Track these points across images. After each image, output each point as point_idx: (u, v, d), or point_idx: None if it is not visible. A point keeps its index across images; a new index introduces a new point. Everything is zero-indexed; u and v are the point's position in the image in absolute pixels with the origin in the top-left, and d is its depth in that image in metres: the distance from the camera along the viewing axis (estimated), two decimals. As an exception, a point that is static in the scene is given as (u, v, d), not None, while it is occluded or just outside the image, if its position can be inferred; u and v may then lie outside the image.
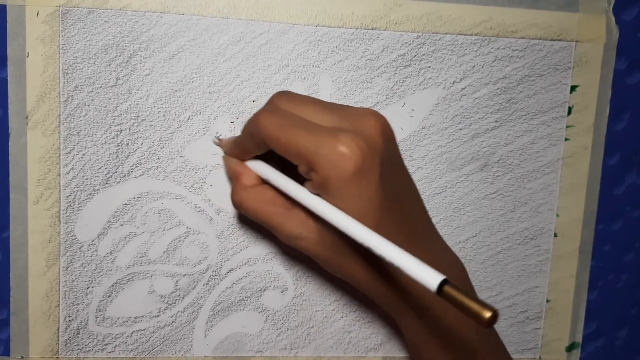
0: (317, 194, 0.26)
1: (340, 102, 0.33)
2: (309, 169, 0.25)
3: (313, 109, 0.26)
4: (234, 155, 0.30)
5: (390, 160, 0.26)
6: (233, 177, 0.30)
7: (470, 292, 0.20)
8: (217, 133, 0.33)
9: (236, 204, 0.29)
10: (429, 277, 0.21)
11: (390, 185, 0.26)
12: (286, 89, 0.31)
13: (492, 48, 0.34)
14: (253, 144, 0.28)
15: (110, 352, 0.34)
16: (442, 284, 0.21)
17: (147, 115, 0.32)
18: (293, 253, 0.34)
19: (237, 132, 0.33)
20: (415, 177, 0.35)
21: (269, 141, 0.26)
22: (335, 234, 0.26)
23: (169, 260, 0.33)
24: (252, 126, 0.27)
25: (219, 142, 0.32)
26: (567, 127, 0.35)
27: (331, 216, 0.25)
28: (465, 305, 0.20)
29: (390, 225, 0.26)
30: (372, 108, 0.33)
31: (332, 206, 0.25)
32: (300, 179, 0.27)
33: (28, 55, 0.31)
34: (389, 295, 0.28)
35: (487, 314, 0.19)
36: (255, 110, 0.33)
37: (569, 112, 0.35)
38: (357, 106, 0.27)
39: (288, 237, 0.28)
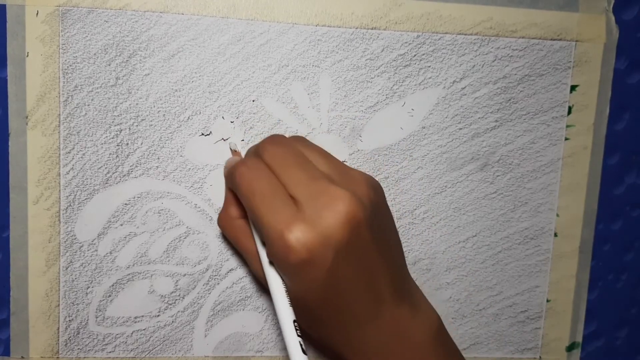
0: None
1: (340, 102, 0.33)
2: (263, 240, 0.27)
3: (291, 174, 0.27)
4: (229, 185, 0.31)
5: (354, 247, 0.26)
6: (225, 202, 0.31)
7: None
8: (231, 144, 0.33)
9: (220, 227, 0.31)
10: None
11: (346, 270, 0.26)
12: (277, 133, 0.31)
13: (492, 48, 0.34)
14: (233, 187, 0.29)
15: (110, 352, 0.34)
16: None
17: (147, 115, 0.32)
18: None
19: (238, 133, 0.33)
20: (415, 177, 0.34)
21: (238, 194, 0.27)
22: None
23: (169, 260, 0.33)
24: (231, 172, 0.28)
25: (233, 153, 0.33)
26: (567, 126, 0.35)
27: (272, 290, 0.27)
28: None
29: (331, 309, 0.27)
30: (372, 107, 0.33)
31: (277, 281, 0.27)
32: None
33: (28, 55, 0.31)
34: (351, 353, 0.28)
35: None
36: (254, 110, 0.33)
37: (569, 112, 0.35)
38: (345, 171, 0.27)
39: (256, 272, 0.30)
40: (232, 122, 0.33)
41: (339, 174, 0.27)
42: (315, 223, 0.25)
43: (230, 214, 0.31)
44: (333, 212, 0.25)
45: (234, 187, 0.28)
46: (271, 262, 0.28)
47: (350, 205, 0.25)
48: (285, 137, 0.29)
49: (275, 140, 0.28)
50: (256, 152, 0.28)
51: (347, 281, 0.26)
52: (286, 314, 0.26)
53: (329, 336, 0.28)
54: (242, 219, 0.30)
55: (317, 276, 0.25)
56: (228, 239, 0.31)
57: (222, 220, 0.31)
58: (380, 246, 0.27)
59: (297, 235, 0.25)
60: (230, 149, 0.33)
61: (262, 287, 0.34)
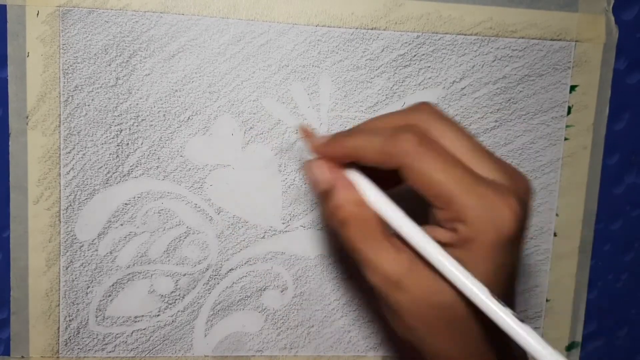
0: (444, 244, 0.22)
1: (340, 102, 0.33)
2: (453, 219, 0.21)
3: (468, 151, 0.22)
4: (327, 153, 0.24)
5: (514, 242, 0.22)
6: (328, 189, 0.24)
7: None
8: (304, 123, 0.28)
9: (338, 215, 0.23)
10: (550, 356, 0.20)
11: (515, 261, 0.23)
12: (427, 102, 0.25)
13: (491, 48, 0.34)
14: (375, 153, 0.22)
15: (110, 352, 0.34)
16: None
17: (147, 115, 0.32)
18: (293, 252, 0.34)
19: (238, 132, 0.33)
20: (415, 177, 0.34)
21: (410, 170, 0.22)
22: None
23: (169, 260, 0.33)
24: (388, 140, 0.22)
25: (306, 134, 0.25)
26: (567, 126, 0.35)
27: (460, 282, 0.21)
28: None
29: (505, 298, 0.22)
30: (372, 107, 0.34)
31: (463, 269, 0.21)
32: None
33: (28, 55, 0.31)
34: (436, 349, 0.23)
35: None
36: (255, 111, 0.33)
37: (569, 112, 0.35)
38: (505, 161, 0.24)
39: (379, 283, 0.23)
40: (232, 120, 0.33)
41: (503, 161, 0.24)
42: (521, 194, 0.21)
43: (348, 198, 0.23)
44: (524, 185, 0.22)
45: (396, 153, 0.22)
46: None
47: (529, 181, 0.23)
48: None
49: (429, 106, 0.23)
50: (418, 121, 0.23)
51: (513, 274, 0.23)
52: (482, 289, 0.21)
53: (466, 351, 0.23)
54: (364, 207, 0.23)
55: (513, 261, 0.22)
56: (343, 233, 0.23)
57: (351, 205, 0.23)
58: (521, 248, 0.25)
59: (515, 207, 0.21)
60: (302, 131, 0.26)
61: (261, 284, 0.34)
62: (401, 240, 0.23)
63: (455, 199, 0.21)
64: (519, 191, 0.22)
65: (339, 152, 0.24)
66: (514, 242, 0.21)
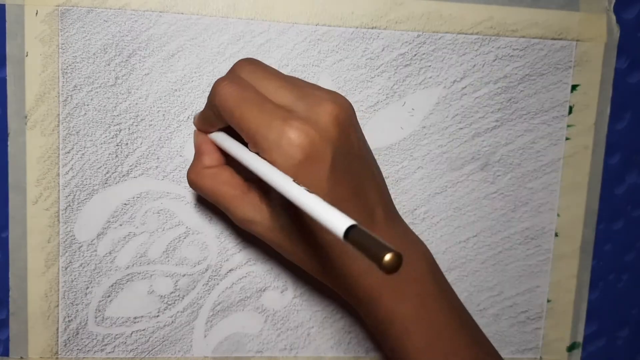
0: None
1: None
2: (258, 151, 0.25)
3: (274, 84, 0.26)
4: (200, 128, 0.30)
5: (346, 149, 0.26)
6: (195, 154, 0.29)
7: (377, 238, 0.19)
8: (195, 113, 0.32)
9: (191, 181, 0.29)
10: (338, 222, 0.19)
11: (344, 174, 0.25)
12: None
13: (492, 47, 0.34)
14: (213, 114, 0.27)
15: (109, 353, 0.34)
16: (351, 229, 0.19)
17: (147, 115, 0.32)
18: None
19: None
20: (415, 177, 0.34)
21: (223, 113, 0.26)
22: (287, 219, 0.27)
23: (168, 261, 0.33)
24: (211, 95, 0.27)
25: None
26: (568, 126, 0.35)
27: (260, 169, 0.24)
28: (366, 248, 0.18)
29: (341, 201, 0.25)
30: (372, 107, 0.33)
31: (266, 163, 0.24)
32: None
33: (27, 55, 0.31)
34: (340, 283, 0.28)
35: (386, 256, 0.17)
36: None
37: (570, 112, 0.35)
38: (322, 87, 0.27)
39: (242, 221, 0.28)
40: None
41: (312, 85, 0.27)
42: (310, 119, 0.24)
43: (203, 163, 0.29)
44: (324, 110, 0.25)
45: (218, 105, 0.26)
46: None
47: (337, 105, 0.25)
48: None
49: (248, 59, 0.28)
50: (232, 72, 0.27)
51: (345, 189, 0.26)
52: (281, 176, 0.23)
53: (318, 257, 0.27)
54: (220, 167, 0.29)
55: (321, 176, 0.25)
56: (202, 192, 0.29)
57: (193, 172, 0.29)
58: (367, 159, 0.27)
59: (298, 131, 0.24)
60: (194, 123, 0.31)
61: (260, 285, 0.34)
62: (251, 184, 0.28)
63: (252, 132, 0.25)
64: (312, 113, 0.25)
65: (201, 127, 0.30)
66: (312, 161, 0.24)
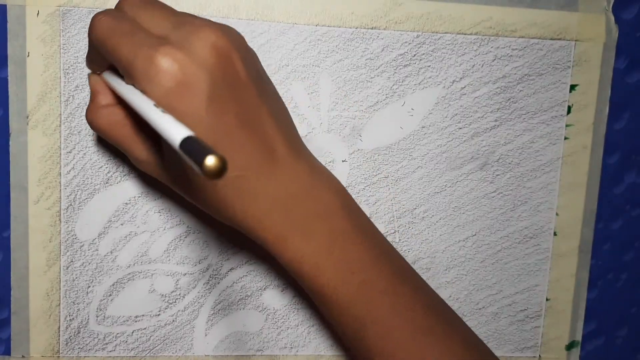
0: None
1: (340, 102, 0.33)
2: (130, 82, 0.24)
3: (152, 14, 0.25)
4: (90, 68, 0.29)
5: (230, 78, 0.24)
6: (90, 95, 0.29)
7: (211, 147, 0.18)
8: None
9: (89, 122, 0.28)
10: (176, 132, 0.19)
11: (228, 104, 0.24)
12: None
13: (491, 47, 0.34)
14: (93, 50, 0.26)
15: (111, 351, 0.34)
16: (187, 139, 0.18)
17: (148, 115, 0.32)
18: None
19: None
20: (415, 176, 0.35)
21: (97, 45, 0.25)
22: (177, 160, 0.26)
23: (169, 260, 0.33)
24: (89, 28, 0.25)
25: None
26: (567, 126, 0.35)
27: (128, 97, 0.23)
28: (193, 155, 0.17)
29: (227, 144, 0.25)
30: (372, 107, 0.33)
31: (136, 91, 0.23)
32: None
33: (28, 55, 0.31)
34: (247, 222, 0.27)
35: (208, 159, 0.17)
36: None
37: (569, 111, 0.35)
38: (204, 18, 0.26)
39: (136, 161, 0.28)
40: None
41: (196, 16, 0.26)
42: (183, 46, 0.23)
43: (99, 102, 0.28)
44: (200, 37, 0.24)
45: (92, 38, 0.25)
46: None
47: (217, 33, 0.24)
48: None
49: None
50: (116, 6, 0.27)
51: (232, 120, 0.25)
52: (139, 98, 0.23)
53: (213, 194, 0.26)
54: (114, 106, 0.28)
55: (196, 105, 0.23)
56: (99, 133, 0.28)
57: (90, 113, 0.28)
58: (262, 91, 0.26)
59: (167, 56, 0.23)
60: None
61: (261, 284, 0.34)
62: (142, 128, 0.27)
63: (123, 61, 0.24)
64: (188, 41, 0.23)
65: (90, 66, 0.29)
66: (184, 88, 0.23)
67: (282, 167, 0.26)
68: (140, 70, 0.23)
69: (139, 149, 0.27)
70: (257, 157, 0.26)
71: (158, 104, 0.23)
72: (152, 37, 0.24)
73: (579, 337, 0.37)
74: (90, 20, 0.25)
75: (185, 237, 0.33)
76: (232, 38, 0.25)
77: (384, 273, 0.28)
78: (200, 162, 0.17)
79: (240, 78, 0.25)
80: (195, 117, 0.24)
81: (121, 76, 0.26)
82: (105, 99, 0.28)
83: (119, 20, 0.25)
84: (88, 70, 0.31)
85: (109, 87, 0.28)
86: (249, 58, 0.26)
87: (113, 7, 0.27)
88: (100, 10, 0.27)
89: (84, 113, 0.32)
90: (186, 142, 0.18)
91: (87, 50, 0.29)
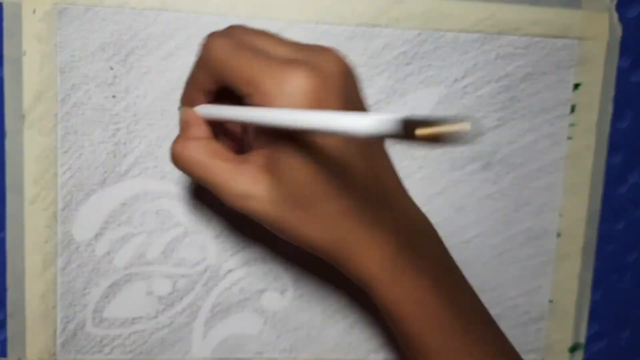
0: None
1: (340, 101, 0.33)
2: (257, 100, 0.23)
3: (270, 41, 0.25)
4: (187, 97, 0.27)
5: (352, 102, 0.24)
6: (182, 127, 0.27)
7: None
8: (114, 96, 0.31)
9: (176, 154, 0.26)
10: (391, 119, 0.17)
11: None
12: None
13: (494, 46, 0.34)
14: (204, 72, 0.25)
15: (108, 354, 0.33)
16: (406, 124, 0.16)
17: (145, 114, 0.32)
18: (293, 253, 0.34)
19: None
20: (416, 177, 0.34)
21: (219, 64, 0.24)
22: (296, 187, 0.24)
23: (167, 261, 0.33)
24: (202, 50, 0.25)
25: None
26: (570, 125, 0.35)
27: (264, 115, 0.22)
28: (440, 133, 0.16)
29: (354, 171, 0.24)
30: (373, 106, 0.33)
31: (268, 109, 0.23)
32: None
33: (25, 54, 0.31)
34: (356, 259, 0.26)
35: (464, 126, 0.15)
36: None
37: (572, 111, 0.35)
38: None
39: (235, 197, 0.25)
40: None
41: (309, 44, 0.26)
42: (314, 66, 0.23)
43: (191, 134, 0.26)
44: (328, 58, 0.24)
45: (212, 57, 0.24)
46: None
47: (341, 56, 0.24)
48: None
49: (237, 24, 0.27)
50: (221, 31, 0.26)
51: (353, 148, 0.24)
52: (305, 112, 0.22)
53: (325, 225, 0.25)
54: (207, 139, 0.26)
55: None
56: (189, 166, 0.26)
57: (180, 144, 0.26)
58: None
59: (301, 75, 0.22)
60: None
61: (260, 286, 0.34)
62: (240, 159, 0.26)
63: (255, 78, 0.23)
64: (317, 62, 0.23)
65: (189, 95, 0.27)
66: (321, 107, 0.23)
67: (396, 199, 0.26)
68: (271, 88, 0.23)
69: (242, 182, 0.25)
70: (371, 184, 0.25)
71: None
72: (281, 57, 0.24)
73: (582, 339, 0.37)
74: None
75: (183, 239, 0.33)
76: (348, 60, 0.25)
77: (476, 315, 0.28)
78: (451, 133, 0.15)
79: (358, 99, 0.25)
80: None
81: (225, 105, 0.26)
82: (200, 131, 0.26)
83: (238, 41, 0.24)
84: (85, 70, 0.31)
85: (208, 119, 0.26)
86: (360, 82, 0.26)
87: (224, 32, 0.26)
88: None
89: (80, 112, 0.31)
90: (408, 123, 0.16)
91: (189, 75, 0.27)
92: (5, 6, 0.30)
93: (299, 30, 0.32)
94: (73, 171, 0.32)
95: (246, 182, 0.25)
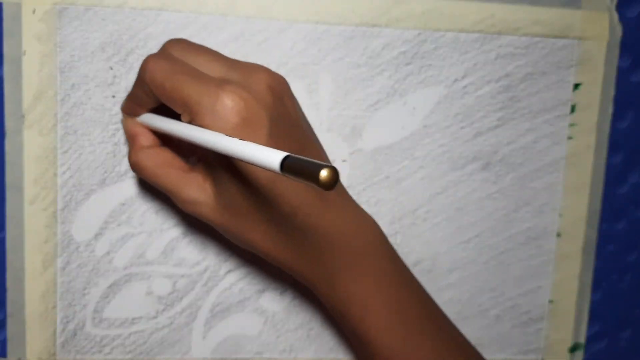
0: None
1: (340, 101, 0.33)
2: (190, 119, 0.25)
3: (204, 58, 0.26)
4: (129, 110, 0.29)
5: (283, 117, 0.26)
6: (129, 138, 0.29)
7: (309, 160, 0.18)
8: (113, 96, 0.31)
9: (132, 165, 0.28)
10: (270, 158, 0.19)
11: (283, 141, 0.25)
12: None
13: (494, 45, 0.34)
14: (142, 92, 0.27)
15: (107, 354, 0.33)
16: (286, 159, 0.19)
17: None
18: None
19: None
20: (416, 177, 0.34)
21: (154, 87, 0.26)
22: (233, 197, 0.26)
23: (167, 261, 0.33)
24: (140, 72, 0.26)
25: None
26: (570, 125, 0.35)
27: (193, 135, 0.24)
28: (303, 171, 0.18)
29: (283, 181, 0.25)
30: (373, 106, 0.33)
31: (199, 128, 0.24)
32: None
33: (24, 54, 0.31)
34: (297, 262, 0.27)
35: (323, 173, 0.17)
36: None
37: (572, 111, 0.35)
38: (251, 62, 0.27)
39: (185, 203, 0.27)
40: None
41: (243, 61, 0.27)
42: (244, 85, 0.25)
43: (141, 144, 0.28)
44: (257, 77, 0.25)
45: (148, 80, 0.26)
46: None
47: (270, 74, 0.26)
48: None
49: (177, 39, 0.28)
50: (161, 50, 0.27)
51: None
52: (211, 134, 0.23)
53: (266, 231, 0.27)
54: (158, 147, 0.28)
55: (259, 141, 0.24)
56: (144, 175, 0.28)
57: (133, 155, 0.28)
58: (306, 130, 0.27)
59: (232, 94, 0.24)
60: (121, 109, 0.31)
61: (260, 286, 0.34)
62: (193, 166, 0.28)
63: (186, 100, 0.25)
64: (247, 81, 0.25)
65: (130, 109, 0.29)
66: (248, 126, 0.24)
67: (331, 205, 0.27)
68: (205, 107, 0.24)
69: (190, 189, 0.27)
70: (309, 194, 0.26)
71: None
72: (212, 78, 0.25)
73: (582, 339, 0.37)
74: (143, 61, 0.26)
75: (183, 239, 0.33)
76: (281, 80, 0.26)
77: (423, 315, 0.29)
78: (314, 176, 0.18)
79: (291, 117, 0.26)
80: None
81: (165, 117, 0.27)
82: (147, 140, 0.28)
83: (174, 63, 0.26)
84: (84, 70, 0.31)
85: (150, 128, 0.28)
86: (294, 99, 0.27)
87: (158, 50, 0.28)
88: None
89: (80, 112, 0.31)
90: (287, 161, 0.19)
91: (130, 92, 0.29)
92: (5, 6, 0.30)
93: (298, 30, 0.32)
94: (73, 171, 0.32)
95: (194, 189, 0.27)
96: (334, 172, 0.17)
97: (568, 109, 0.35)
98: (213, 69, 0.26)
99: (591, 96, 0.35)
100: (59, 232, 0.32)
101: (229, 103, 0.24)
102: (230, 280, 0.34)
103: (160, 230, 0.33)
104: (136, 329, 0.33)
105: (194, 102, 0.24)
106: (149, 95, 0.27)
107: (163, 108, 0.27)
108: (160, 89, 0.25)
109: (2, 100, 0.31)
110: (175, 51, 0.27)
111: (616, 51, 0.35)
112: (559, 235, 0.36)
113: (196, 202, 0.27)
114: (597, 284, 0.37)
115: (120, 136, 0.32)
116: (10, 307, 0.32)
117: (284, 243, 0.27)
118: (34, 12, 0.30)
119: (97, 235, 0.32)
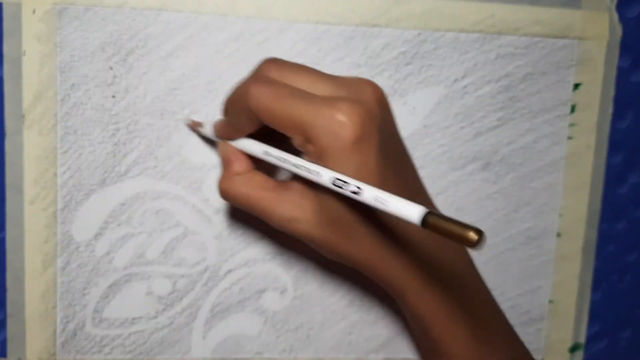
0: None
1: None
2: (304, 141, 0.25)
3: (307, 79, 0.26)
4: (225, 135, 0.29)
5: (387, 129, 0.26)
6: (224, 163, 0.28)
7: (452, 218, 0.20)
8: (188, 115, 0.32)
9: (223, 190, 0.28)
10: (412, 211, 0.21)
11: (388, 154, 0.25)
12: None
13: (494, 45, 0.34)
14: (245, 119, 0.27)
15: (107, 354, 0.33)
16: (426, 215, 0.20)
17: (145, 114, 0.32)
18: (292, 253, 0.34)
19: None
20: (416, 177, 0.34)
21: (261, 114, 0.25)
22: (333, 211, 0.26)
23: (166, 261, 0.33)
24: (241, 100, 0.26)
25: (192, 124, 0.32)
26: (570, 125, 0.35)
27: (306, 167, 0.25)
28: (450, 230, 0.19)
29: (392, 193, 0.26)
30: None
31: (309, 162, 0.25)
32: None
33: (24, 54, 0.31)
34: (392, 273, 0.27)
35: (472, 235, 0.19)
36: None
37: (572, 111, 0.35)
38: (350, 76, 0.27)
39: (281, 221, 0.27)
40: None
41: (342, 76, 0.27)
42: (354, 100, 0.24)
43: (234, 170, 0.28)
44: (366, 91, 0.25)
45: (254, 107, 0.25)
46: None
47: (376, 87, 0.26)
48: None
49: (271, 59, 0.27)
50: (258, 73, 0.27)
51: (391, 171, 0.25)
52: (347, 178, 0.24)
53: (368, 246, 0.27)
54: (250, 173, 0.28)
55: (371, 158, 0.24)
56: (236, 199, 0.28)
57: (226, 180, 0.28)
58: (402, 141, 0.28)
59: (347, 112, 0.24)
60: (188, 125, 0.32)
61: (260, 286, 0.34)
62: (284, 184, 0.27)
63: (299, 122, 0.24)
64: (356, 96, 0.25)
65: (227, 134, 0.29)
66: (362, 141, 0.24)
67: None
68: (322, 128, 0.24)
69: (284, 208, 0.27)
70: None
71: (338, 158, 0.24)
72: (322, 97, 0.25)
73: (582, 339, 0.37)
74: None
75: (183, 239, 0.33)
76: (383, 90, 0.26)
77: (500, 331, 0.30)
78: (460, 236, 0.19)
79: (393, 130, 0.27)
80: (369, 169, 0.24)
81: (268, 145, 0.27)
82: (241, 166, 0.28)
83: (278, 87, 0.25)
84: (84, 70, 0.31)
85: (246, 154, 0.28)
86: (390, 107, 0.27)
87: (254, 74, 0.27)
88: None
89: (79, 112, 0.31)
90: (428, 217, 0.20)
91: (224, 120, 0.29)
92: (5, 6, 0.30)
93: (298, 30, 0.32)
94: (73, 171, 0.32)
95: (291, 207, 0.27)
96: (480, 234, 0.18)
97: (568, 109, 0.35)
98: (318, 88, 0.25)
99: (591, 96, 0.35)
100: (59, 232, 0.32)
101: (345, 120, 0.24)
102: (230, 280, 0.34)
103: (160, 230, 0.33)
104: (136, 329, 0.33)
105: (308, 125, 0.24)
106: (253, 121, 0.26)
107: (260, 132, 0.27)
108: (268, 114, 0.25)
109: (2, 100, 0.31)
110: (273, 73, 0.26)
111: (616, 51, 0.35)
112: (559, 235, 0.36)
113: (293, 220, 0.27)
114: (597, 284, 0.37)
115: (120, 136, 0.32)
116: (10, 307, 0.32)
117: (383, 255, 0.27)
118: (34, 12, 0.30)
119: (97, 235, 0.32)
